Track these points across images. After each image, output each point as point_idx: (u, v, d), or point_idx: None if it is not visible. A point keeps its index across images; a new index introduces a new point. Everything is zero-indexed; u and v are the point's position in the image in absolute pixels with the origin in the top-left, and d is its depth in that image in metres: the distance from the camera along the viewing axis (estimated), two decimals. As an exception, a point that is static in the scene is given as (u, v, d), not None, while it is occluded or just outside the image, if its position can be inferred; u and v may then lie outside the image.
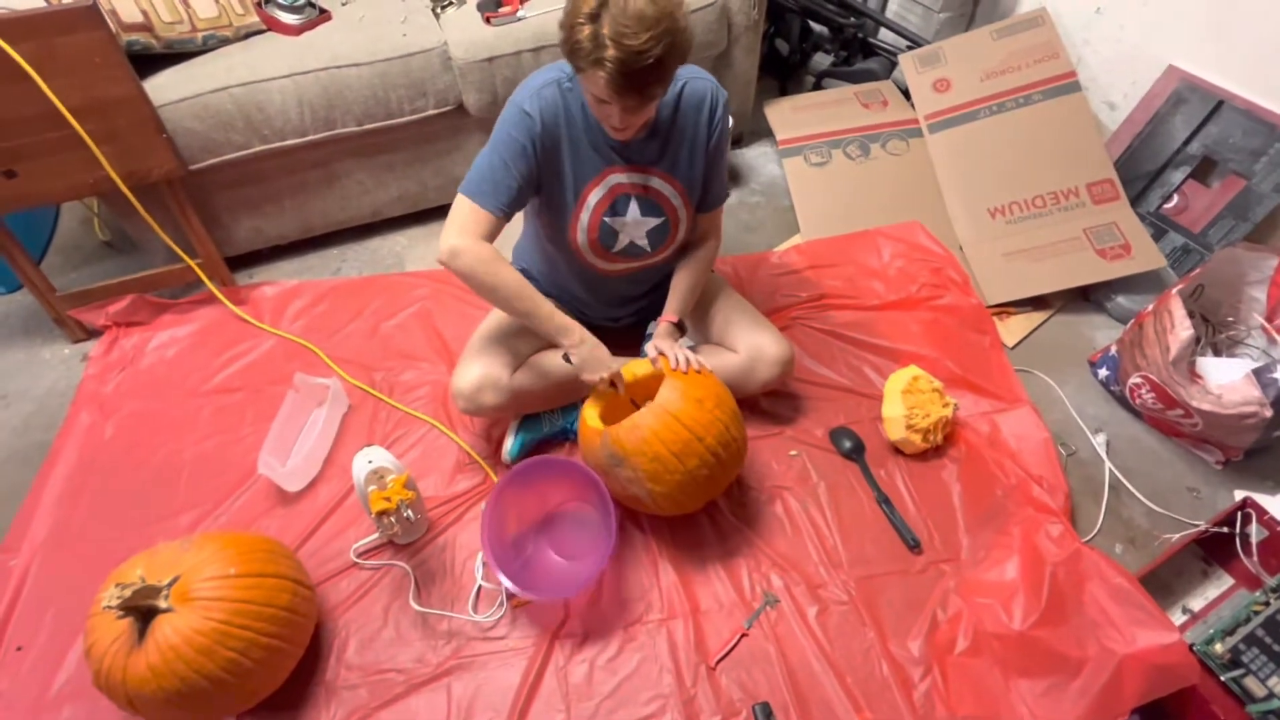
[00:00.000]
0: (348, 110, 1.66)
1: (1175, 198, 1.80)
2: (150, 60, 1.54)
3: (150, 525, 1.38)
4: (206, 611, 1.01)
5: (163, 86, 1.52)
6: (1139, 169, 1.84)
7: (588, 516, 1.37)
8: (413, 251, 1.94)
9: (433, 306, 1.76)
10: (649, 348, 1.30)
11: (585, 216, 1.25)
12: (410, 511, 1.26)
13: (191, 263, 1.70)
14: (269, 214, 1.81)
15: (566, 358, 1.25)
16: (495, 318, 1.41)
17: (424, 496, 1.37)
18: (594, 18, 0.96)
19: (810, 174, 1.99)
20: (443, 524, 1.38)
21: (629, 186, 1.25)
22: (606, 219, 1.26)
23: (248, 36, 1.65)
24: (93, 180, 1.48)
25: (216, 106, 1.56)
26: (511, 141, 1.15)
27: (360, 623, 1.26)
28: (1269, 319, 1.50)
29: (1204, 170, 1.76)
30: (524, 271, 1.50)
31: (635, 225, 1.28)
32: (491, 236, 1.17)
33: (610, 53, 0.96)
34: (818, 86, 2.32)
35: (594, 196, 1.24)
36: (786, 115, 2.10)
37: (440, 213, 1.97)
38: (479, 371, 1.31)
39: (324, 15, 1.71)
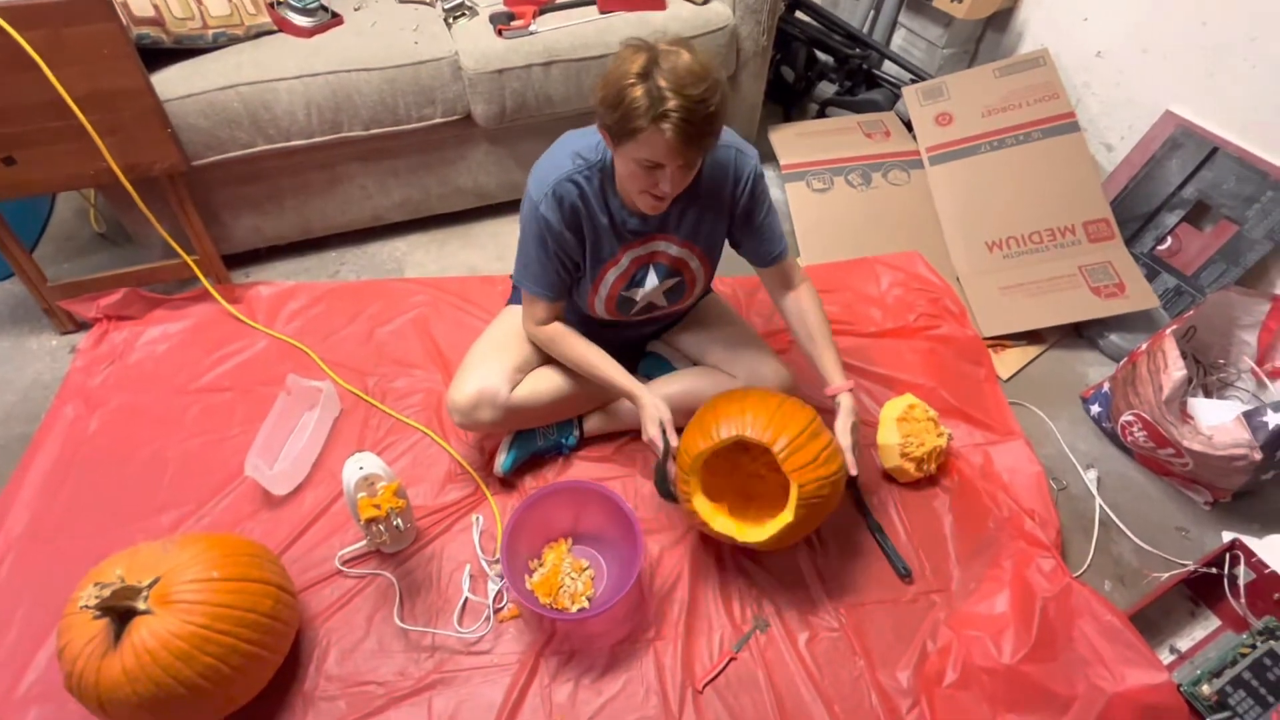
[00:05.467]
0: (355, 114, 1.66)
1: (1169, 240, 1.83)
2: (159, 55, 1.53)
3: (131, 523, 1.35)
4: (186, 615, 0.98)
5: (170, 81, 1.52)
6: (1134, 210, 1.87)
7: (597, 539, 1.35)
8: (412, 258, 1.93)
9: (430, 314, 1.75)
10: (848, 451, 1.24)
11: (603, 291, 1.28)
12: (400, 520, 1.24)
13: (188, 259, 1.68)
14: (269, 213, 1.80)
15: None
16: (494, 330, 1.40)
17: (412, 506, 1.35)
18: (645, 76, 0.95)
19: (812, 199, 2.01)
20: (430, 534, 1.36)
21: (648, 256, 1.26)
22: (624, 292, 1.29)
23: (259, 36, 1.65)
24: (93, 171, 1.47)
25: (223, 104, 1.55)
26: (536, 237, 1.20)
27: (342, 632, 1.24)
28: (1259, 363, 1.53)
29: (1198, 214, 1.80)
30: None
31: (653, 290, 1.31)
32: (553, 317, 1.30)
33: (673, 103, 0.94)
34: (821, 114, 2.35)
35: (612, 274, 1.26)
36: (790, 141, 2.12)
37: (442, 220, 1.99)
38: (476, 387, 1.30)
39: (336, 19, 1.71)
